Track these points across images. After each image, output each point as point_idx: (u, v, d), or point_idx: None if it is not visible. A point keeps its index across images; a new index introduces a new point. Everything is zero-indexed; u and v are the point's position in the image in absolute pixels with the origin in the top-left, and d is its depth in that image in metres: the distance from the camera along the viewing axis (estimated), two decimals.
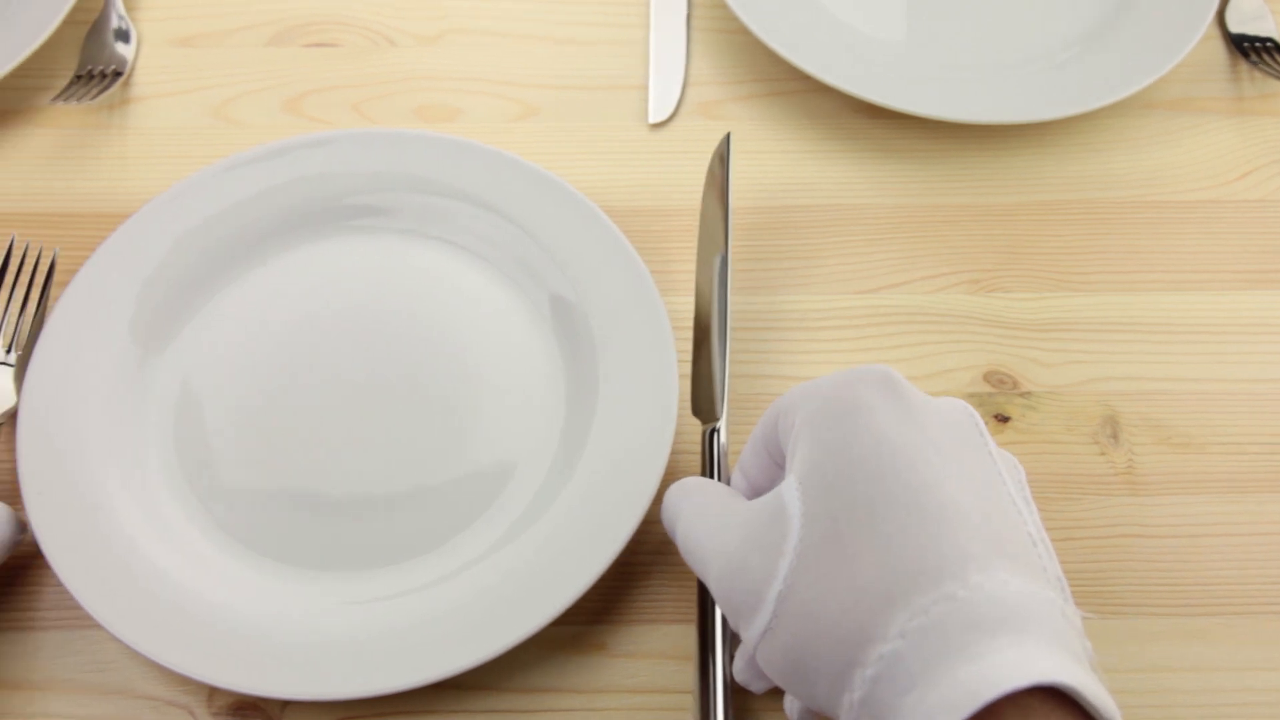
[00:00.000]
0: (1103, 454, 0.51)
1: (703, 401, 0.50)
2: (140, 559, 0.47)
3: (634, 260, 0.52)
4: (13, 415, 0.50)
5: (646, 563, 0.48)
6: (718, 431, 0.49)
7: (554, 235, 0.53)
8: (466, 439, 0.50)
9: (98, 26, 0.62)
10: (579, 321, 0.52)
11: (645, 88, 0.62)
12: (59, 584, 0.48)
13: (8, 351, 0.52)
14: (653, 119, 0.60)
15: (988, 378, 0.53)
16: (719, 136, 0.59)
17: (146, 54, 0.62)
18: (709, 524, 0.42)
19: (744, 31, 0.63)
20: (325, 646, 0.45)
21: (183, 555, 0.47)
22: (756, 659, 0.38)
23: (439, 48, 0.63)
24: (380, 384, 0.52)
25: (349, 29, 0.64)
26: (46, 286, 0.53)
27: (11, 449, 0.50)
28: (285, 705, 0.46)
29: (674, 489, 0.46)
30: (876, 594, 0.34)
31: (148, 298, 0.52)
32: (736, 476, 0.45)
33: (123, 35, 0.62)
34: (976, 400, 0.52)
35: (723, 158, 0.54)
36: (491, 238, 0.54)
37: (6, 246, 0.54)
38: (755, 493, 0.44)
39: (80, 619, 0.47)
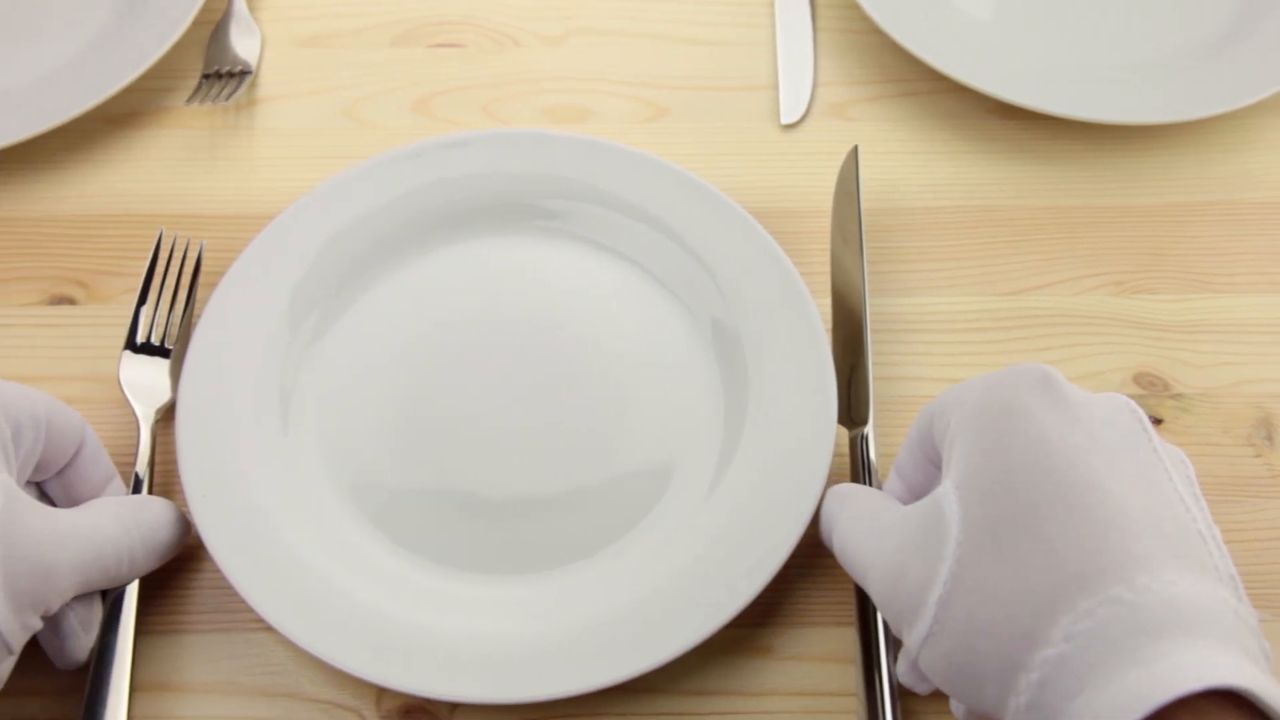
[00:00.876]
0: (1258, 456, 0.51)
1: (850, 407, 0.49)
2: (304, 559, 0.46)
3: (790, 272, 0.51)
4: (168, 409, 0.50)
5: (805, 565, 0.48)
6: (866, 438, 0.49)
7: (712, 248, 0.53)
8: (624, 442, 0.50)
9: (221, 27, 0.62)
10: (734, 327, 0.52)
11: (774, 88, 0.61)
12: (218, 586, 0.47)
13: (160, 343, 0.52)
14: (785, 120, 0.60)
15: (1138, 380, 0.53)
16: (851, 137, 0.60)
17: (271, 54, 0.62)
18: (866, 531, 0.42)
19: (869, 32, 0.63)
20: (494, 649, 0.45)
21: (342, 555, 0.47)
22: (919, 664, 0.38)
23: (564, 48, 0.63)
24: (534, 385, 0.51)
25: (473, 29, 0.64)
26: (195, 280, 0.53)
27: (164, 444, 0.50)
28: (454, 708, 0.46)
29: (829, 496, 0.46)
30: (1040, 597, 0.34)
31: (301, 295, 0.52)
32: (893, 479, 0.45)
33: (247, 36, 0.62)
34: None
35: (851, 168, 0.54)
36: (649, 246, 0.54)
37: (155, 241, 0.54)
38: (912, 494, 0.44)
39: (241, 622, 0.47)
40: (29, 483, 0.44)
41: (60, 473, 0.44)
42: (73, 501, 0.45)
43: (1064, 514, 0.35)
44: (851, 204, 0.53)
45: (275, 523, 0.47)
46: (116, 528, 0.43)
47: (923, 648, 0.37)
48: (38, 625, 0.39)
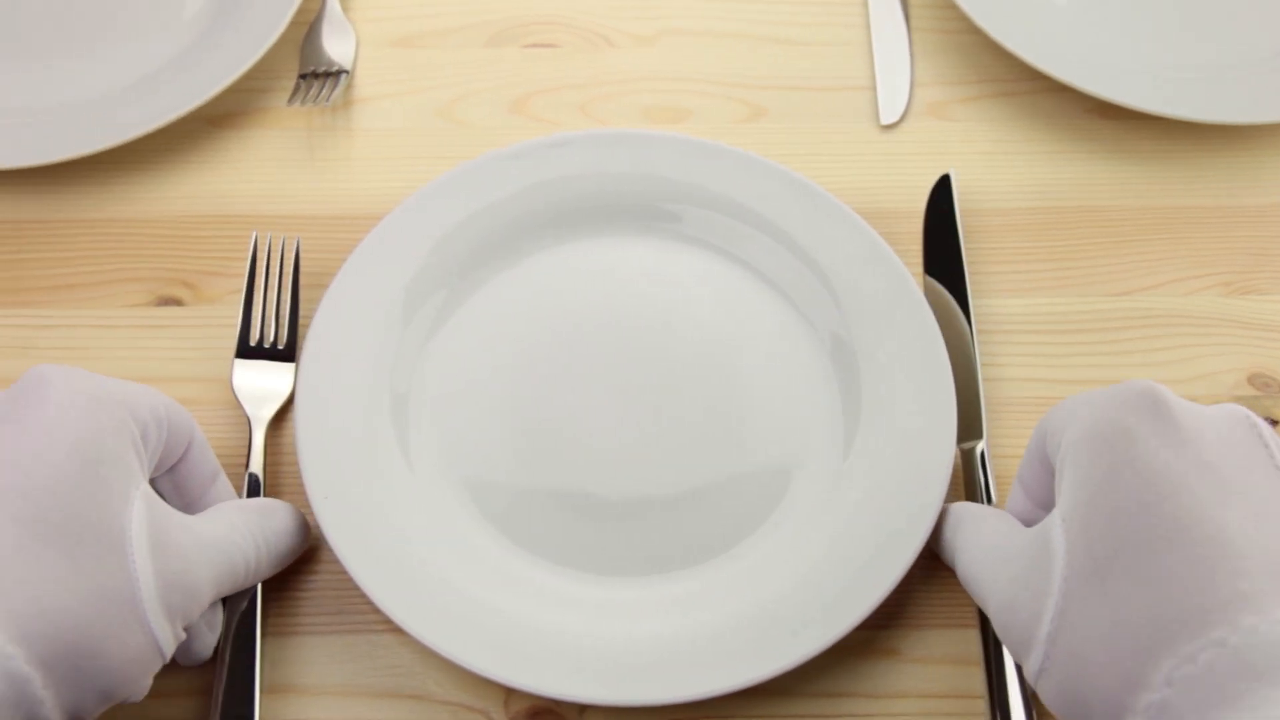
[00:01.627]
0: None
1: (961, 419, 0.49)
2: (428, 560, 0.46)
3: (908, 282, 0.51)
4: (280, 411, 0.51)
5: (927, 567, 0.48)
6: (983, 453, 0.49)
7: (827, 255, 0.53)
8: (741, 445, 0.50)
9: (315, 28, 0.62)
10: (849, 334, 0.51)
11: (870, 89, 0.61)
12: (337, 588, 0.47)
13: (270, 346, 0.52)
14: (884, 120, 0.60)
15: (1252, 380, 0.53)
16: (950, 137, 0.60)
17: (364, 55, 0.62)
18: (983, 557, 0.42)
19: (964, 32, 0.63)
20: (622, 651, 0.45)
21: (464, 555, 0.47)
22: (1039, 694, 0.38)
23: (657, 48, 0.63)
24: (650, 386, 0.51)
25: (566, 30, 0.63)
26: (296, 280, 0.53)
27: (272, 445, 0.50)
28: (583, 710, 0.45)
29: (948, 517, 0.46)
30: (1142, 639, 0.33)
31: (414, 295, 0.52)
32: (1016, 491, 0.45)
33: (342, 36, 0.62)
34: (1243, 405, 0.52)
35: (944, 191, 0.55)
36: (767, 253, 0.54)
37: (251, 245, 0.54)
38: (1036, 505, 0.44)
39: (364, 623, 0.47)
40: None
41: (171, 469, 0.44)
42: (182, 497, 0.45)
43: (1167, 551, 0.34)
44: (946, 223, 0.54)
45: (397, 524, 0.47)
46: (246, 539, 0.43)
47: (1038, 679, 0.37)
48: (183, 636, 0.40)
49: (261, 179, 0.58)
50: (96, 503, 0.37)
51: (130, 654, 0.37)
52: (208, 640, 0.44)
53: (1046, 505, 0.43)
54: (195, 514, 0.44)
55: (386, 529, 0.47)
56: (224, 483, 0.46)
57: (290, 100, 0.58)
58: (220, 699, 0.44)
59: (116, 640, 0.36)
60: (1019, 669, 0.44)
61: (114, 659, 0.36)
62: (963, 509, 0.46)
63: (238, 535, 0.43)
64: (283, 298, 0.53)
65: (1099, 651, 0.34)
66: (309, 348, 0.50)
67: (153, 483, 0.44)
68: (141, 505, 0.38)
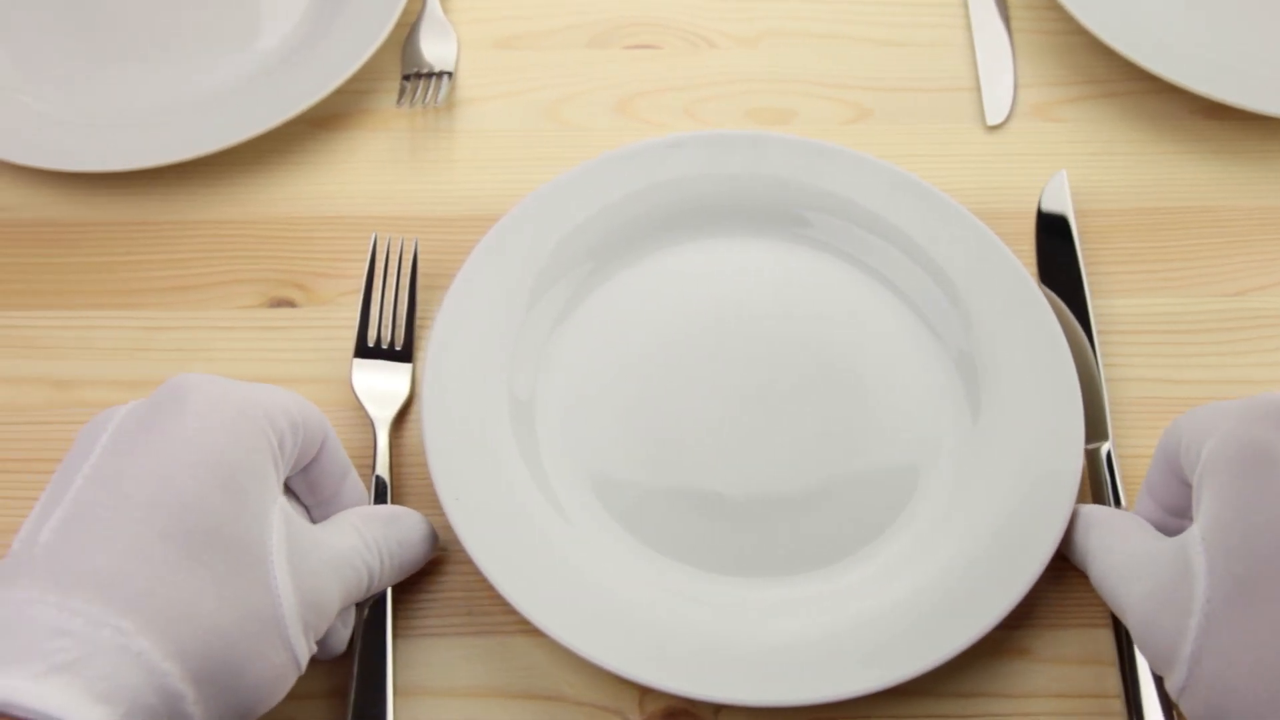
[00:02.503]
0: None
1: (1085, 420, 0.49)
2: (561, 560, 0.46)
3: (1028, 283, 0.51)
4: (403, 410, 0.51)
5: (1057, 568, 0.48)
6: (1110, 455, 0.49)
7: (950, 262, 0.53)
8: (866, 447, 0.50)
9: (417, 29, 0.62)
10: (973, 338, 0.51)
11: (974, 90, 0.61)
12: (468, 589, 0.47)
13: (389, 347, 0.52)
14: (991, 121, 0.60)
15: None
16: (1057, 138, 0.60)
17: (465, 56, 0.62)
18: (1119, 567, 0.42)
19: (1065, 33, 0.63)
20: (757, 651, 0.45)
21: (595, 555, 0.47)
22: (1182, 709, 0.37)
23: (758, 49, 0.63)
24: (773, 387, 0.51)
25: (667, 31, 0.63)
26: (414, 281, 0.53)
27: (397, 445, 0.50)
28: (718, 710, 0.45)
29: (1079, 521, 0.46)
30: None
31: (537, 294, 0.52)
32: (1144, 498, 0.45)
33: (443, 38, 0.62)
34: None
35: (1057, 191, 0.55)
36: (888, 258, 0.54)
37: (370, 245, 0.54)
38: (1166, 511, 0.44)
39: (495, 625, 0.46)
40: None
41: (305, 468, 0.44)
42: (315, 495, 0.44)
43: None
44: (1058, 225, 0.54)
45: (528, 524, 0.47)
46: (372, 551, 0.43)
47: (1180, 697, 0.37)
48: (315, 650, 0.40)
49: (367, 180, 0.58)
50: (239, 519, 0.37)
51: (272, 671, 0.37)
52: (342, 636, 0.44)
53: (1175, 511, 0.43)
54: (327, 512, 0.45)
55: (517, 529, 0.46)
56: (354, 480, 0.46)
57: (399, 102, 0.58)
58: (354, 701, 0.44)
59: (260, 657, 0.36)
60: (1158, 679, 0.44)
61: (257, 676, 0.36)
62: (1093, 512, 0.46)
63: (364, 548, 0.43)
64: (400, 298, 0.53)
65: (1246, 675, 0.34)
66: (433, 348, 0.49)
67: (287, 482, 0.44)
68: (280, 521, 0.38)
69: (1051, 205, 0.56)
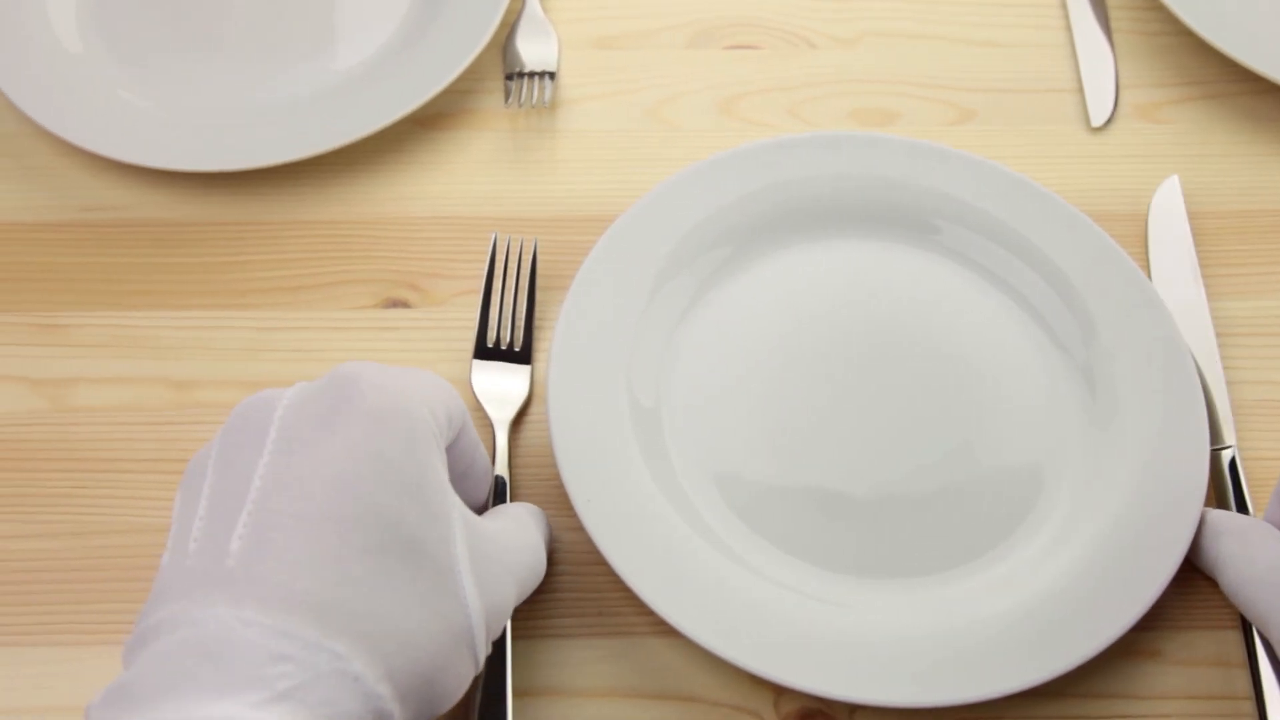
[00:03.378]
0: None
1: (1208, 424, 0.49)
2: (694, 559, 0.46)
3: (1145, 284, 0.52)
4: (522, 409, 0.51)
5: (1185, 569, 0.48)
6: (1234, 460, 0.49)
7: (1070, 265, 0.53)
8: (989, 448, 0.50)
9: (517, 29, 0.62)
10: (1094, 342, 0.52)
11: (1076, 91, 0.61)
12: (592, 589, 0.47)
13: (508, 347, 0.52)
14: (1095, 122, 0.60)
15: None
16: (1162, 139, 0.60)
17: (566, 56, 0.62)
18: (1257, 579, 0.42)
19: (1166, 34, 0.63)
20: (892, 652, 0.45)
21: (724, 555, 0.47)
22: None
23: (859, 50, 0.63)
24: (894, 387, 0.51)
25: (766, 31, 0.63)
26: (533, 281, 0.53)
27: (514, 445, 0.50)
28: (853, 711, 0.45)
29: (1206, 528, 0.46)
30: None
31: (657, 293, 0.52)
32: (1275, 506, 0.45)
33: (544, 38, 0.62)
34: None
35: (1169, 193, 0.55)
36: (1011, 266, 0.54)
37: (489, 245, 0.54)
38: None
39: (624, 625, 0.47)
40: None
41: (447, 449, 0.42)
42: (450, 470, 0.42)
43: None
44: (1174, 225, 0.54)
45: (657, 524, 0.47)
46: (541, 547, 0.43)
47: None
48: (490, 652, 0.39)
49: (475, 180, 0.58)
50: (428, 527, 0.35)
51: (458, 681, 0.36)
52: None
53: None
54: (460, 488, 0.43)
55: (647, 530, 0.46)
56: (483, 454, 0.45)
57: (507, 102, 0.59)
58: (478, 702, 0.44)
59: (452, 669, 0.36)
60: None
61: (449, 686, 0.36)
62: (1222, 519, 0.46)
63: (536, 543, 0.43)
64: (519, 299, 0.53)
65: None
66: (556, 350, 0.50)
67: None
68: (461, 526, 0.37)
69: (1164, 208, 0.56)
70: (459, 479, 0.43)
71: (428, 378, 0.40)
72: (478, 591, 0.37)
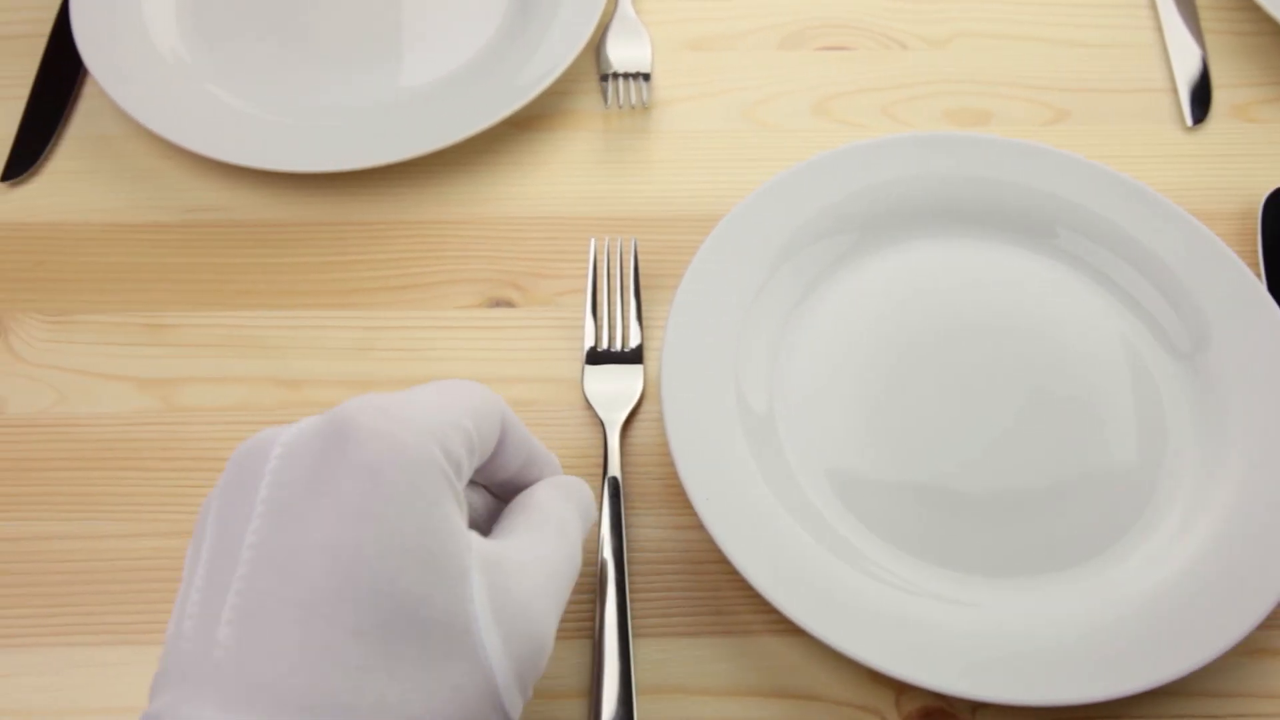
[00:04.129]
0: None
1: None
2: (810, 557, 0.46)
3: (1258, 288, 0.52)
4: (635, 408, 0.51)
5: None
6: None
7: (1180, 269, 0.53)
8: (1100, 449, 0.50)
9: (611, 31, 0.62)
10: (1206, 345, 0.52)
11: (1169, 91, 0.61)
12: (708, 588, 0.47)
13: (614, 350, 0.52)
14: (1190, 122, 0.60)
15: None
16: (1258, 139, 0.60)
17: (658, 57, 0.62)
18: None
19: (1258, 34, 0.63)
20: (1014, 650, 0.45)
21: (842, 553, 0.47)
22: None
23: (950, 50, 0.63)
24: (1006, 386, 0.51)
25: (857, 32, 0.64)
26: (637, 281, 0.54)
27: (626, 444, 0.50)
28: (975, 709, 0.45)
29: None
30: None
31: (766, 290, 0.52)
32: None
33: (637, 39, 0.62)
34: None
35: None
36: (1119, 266, 0.54)
37: (591, 250, 0.54)
38: None
39: (742, 624, 0.47)
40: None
41: (484, 464, 0.39)
42: (496, 480, 0.40)
43: None
44: None
45: (775, 522, 0.47)
46: (577, 535, 0.39)
47: None
48: (530, 695, 0.35)
49: (573, 181, 0.58)
50: (436, 592, 0.32)
51: None
52: None
53: None
54: (515, 487, 0.41)
55: (765, 528, 0.47)
56: (538, 443, 0.41)
57: (607, 103, 0.59)
58: (603, 701, 0.44)
59: None
60: None
61: None
62: None
63: (572, 538, 0.39)
64: (626, 300, 0.53)
65: None
66: (668, 349, 0.50)
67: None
68: (480, 575, 0.33)
69: (1274, 210, 0.56)
70: (511, 480, 0.40)
71: (443, 398, 0.36)
72: (504, 647, 0.33)
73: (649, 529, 0.49)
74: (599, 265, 0.54)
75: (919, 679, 0.43)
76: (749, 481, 0.48)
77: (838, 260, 0.54)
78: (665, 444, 0.51)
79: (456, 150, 0.58)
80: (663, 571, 0.48)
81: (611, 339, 0.52)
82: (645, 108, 0.60)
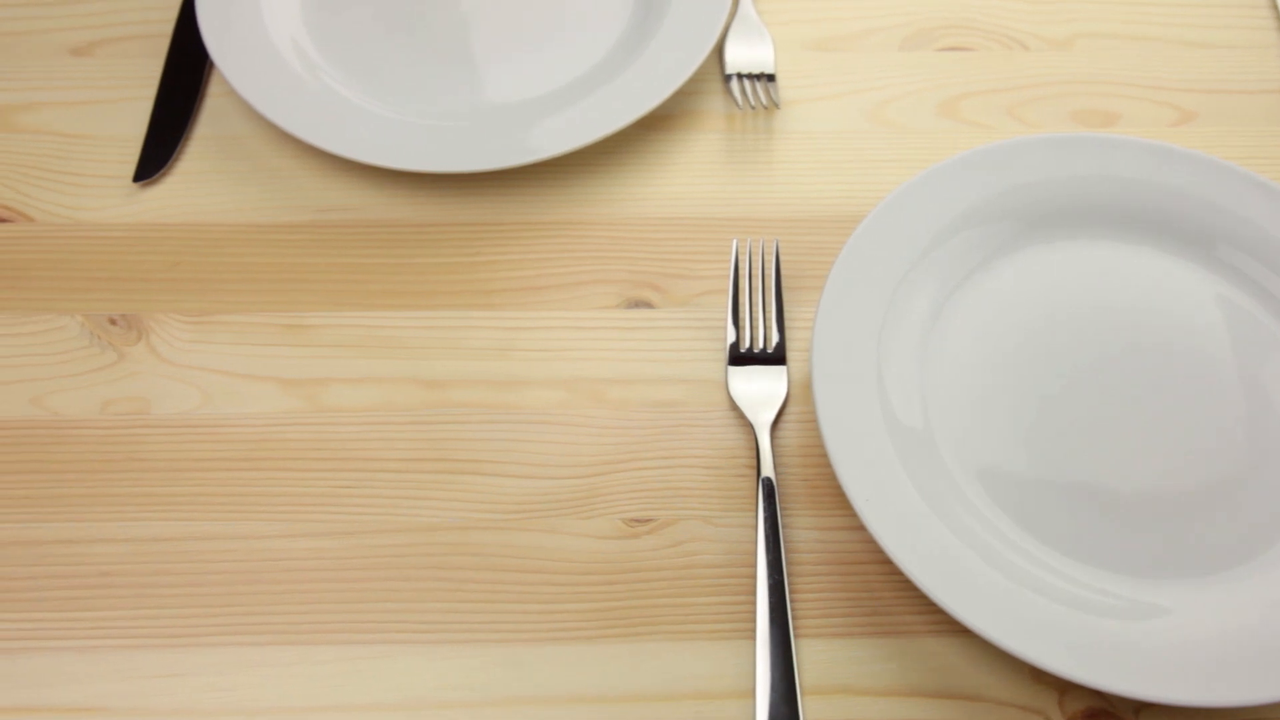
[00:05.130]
0: None
1: None
2: (969, 556, 0.46)
3: None
4: (780, 409, 0.51)
5: None
6: None
7: None
8: (1252, 454, 0.50)
9: (733, 32, 0.62)
10: None
11: None
12: (868, 589, 0.48)
13: (761, 350, 0.52)
14: None
15: None
16: None
17: (780, 58, 0.62)
18: None
19: None
20: (1178, 651, 0.45)
21: (1000, 551, 0.47)
22: None
23: (1072, 51, 0.63)
24: (1157, 388, 0.51)
25: (977, 32, 0.64)
26: (778, 282, 0.54)
27: (774, 444, 0.51)
28: (1139, 710, 0.46)
29: None
30: None
31: (908, 290, 0.52)
32: None
33: (760, 40, 0.62)
34: None
35: None
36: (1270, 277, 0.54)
37: (733, 251, 0.54)
38: None
39: (903, 624, 0.47)
40: None
41: None
42: None
43: None
44: None
45: (932, 520, 0.47)
46: None
47: None
48: None
49: (704, 181, 0.58)
50: None
51: None
52: None
53: None
54: None
55: (925, 526, 0.47)
56: None
57: (739, 103, 0.59)
58: (767, 700, 0.44)
59: None
60: None
61: None
62: None
63: None
64: (768, 301, 0.53)
65: None
66: (817, 349, 0.50)
67: None
68: None
69: None
70: None
71: None
72: None
73: (799, 530, 0.49)
74: (741, 266, 0.54)
75: (1083, 677, 0.43)
76: (906, 482, 0.48)
77: (986, 259, 0.54)
78: (809, 445, 0.51)
79: (583, 151, 0.58)
80: (818, 572, 0.48)
81: (754, 340, 0.52)
82: (778, 108, 0.60)
